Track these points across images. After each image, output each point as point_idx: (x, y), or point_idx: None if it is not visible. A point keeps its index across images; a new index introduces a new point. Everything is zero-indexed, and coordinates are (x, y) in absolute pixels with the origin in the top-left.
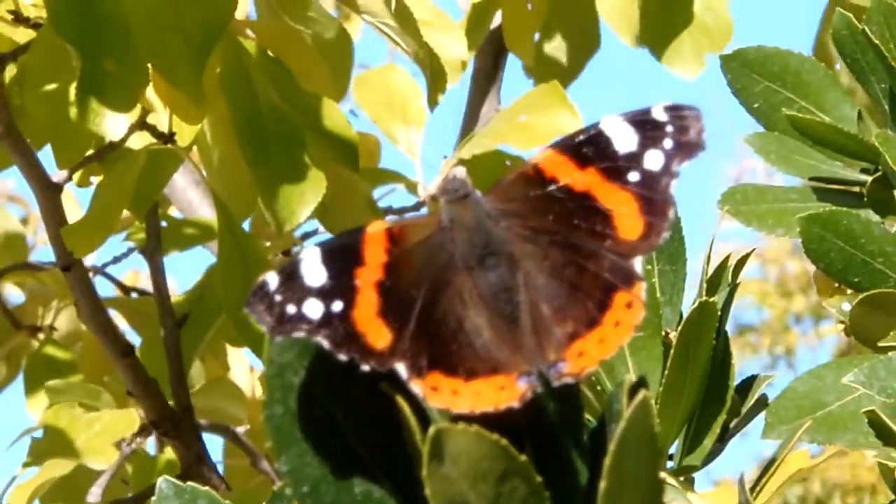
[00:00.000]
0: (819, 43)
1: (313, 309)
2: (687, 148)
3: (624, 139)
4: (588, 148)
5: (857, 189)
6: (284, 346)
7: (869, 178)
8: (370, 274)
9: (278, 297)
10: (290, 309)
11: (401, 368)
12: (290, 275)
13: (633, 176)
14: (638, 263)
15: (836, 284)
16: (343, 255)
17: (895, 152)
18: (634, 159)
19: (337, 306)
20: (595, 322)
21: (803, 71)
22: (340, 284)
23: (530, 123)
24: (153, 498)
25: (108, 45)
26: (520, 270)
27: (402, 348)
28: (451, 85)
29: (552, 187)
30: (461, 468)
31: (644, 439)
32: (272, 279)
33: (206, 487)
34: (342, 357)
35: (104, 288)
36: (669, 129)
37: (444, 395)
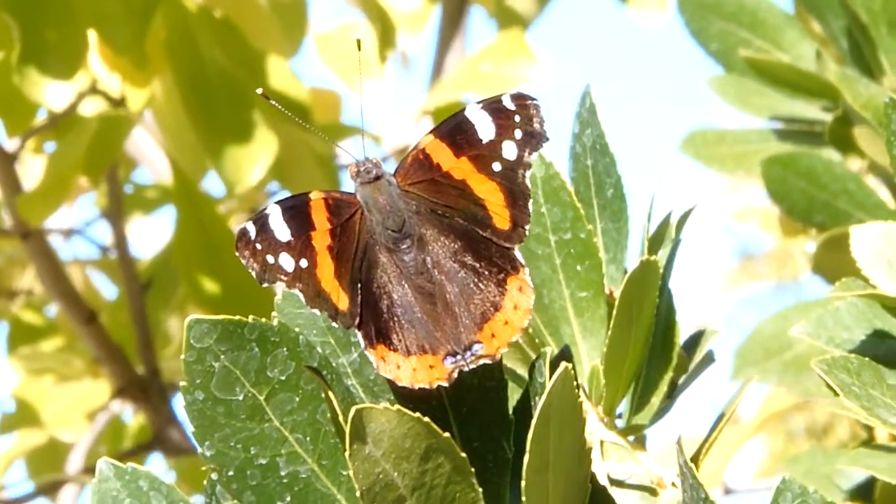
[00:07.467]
0: None
1: (287, 262)
2: (532, 138)
3: (484, 127)
4: (459, 135)
5: (817, 129)
6: (203, 330)
7: (829, 117)
8: (321, 238)
9: (259, 246)
10: (270, 259)
11: (359, 336)
12: (263, 227)
13: (496, 166)
14: (517, 250)
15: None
16: (298, 217)
17: (854, 90)
18: (494, 148)
19: (303, 263)
20: (498, 305)
21: (760, 10)
22: (301, 244)
23: (492, 72)
24: (93, 480)
25: (47, 14)
26: (431, 253)
27: (357, 314)
28: (413, 36)
29: (439, 173)
30: (384, 447)
31: (567, 411)
32: (251, 228)
33: (147, 468)
34: (317, 312)
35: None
36: (517, 118)
37: (390, 367)
